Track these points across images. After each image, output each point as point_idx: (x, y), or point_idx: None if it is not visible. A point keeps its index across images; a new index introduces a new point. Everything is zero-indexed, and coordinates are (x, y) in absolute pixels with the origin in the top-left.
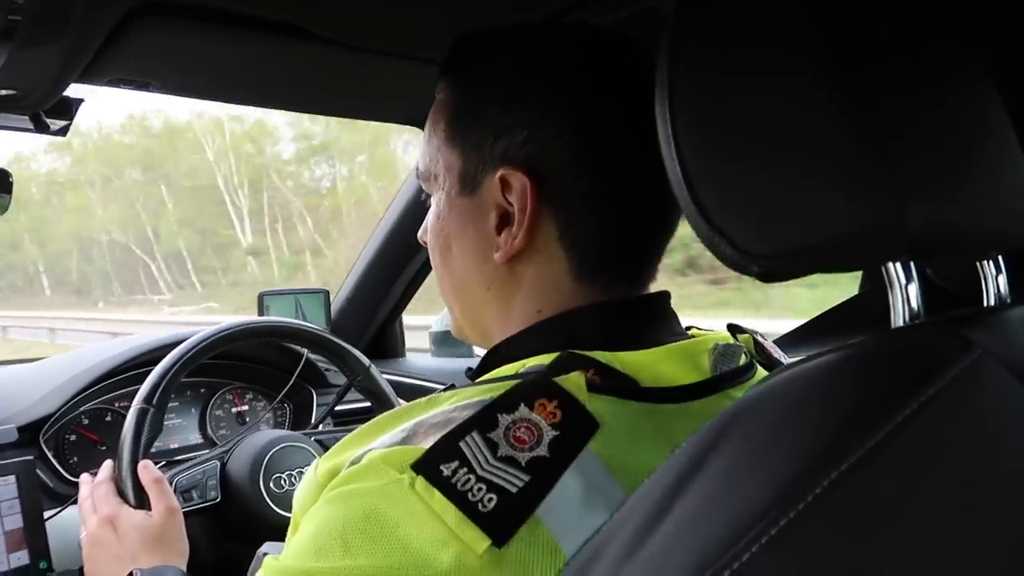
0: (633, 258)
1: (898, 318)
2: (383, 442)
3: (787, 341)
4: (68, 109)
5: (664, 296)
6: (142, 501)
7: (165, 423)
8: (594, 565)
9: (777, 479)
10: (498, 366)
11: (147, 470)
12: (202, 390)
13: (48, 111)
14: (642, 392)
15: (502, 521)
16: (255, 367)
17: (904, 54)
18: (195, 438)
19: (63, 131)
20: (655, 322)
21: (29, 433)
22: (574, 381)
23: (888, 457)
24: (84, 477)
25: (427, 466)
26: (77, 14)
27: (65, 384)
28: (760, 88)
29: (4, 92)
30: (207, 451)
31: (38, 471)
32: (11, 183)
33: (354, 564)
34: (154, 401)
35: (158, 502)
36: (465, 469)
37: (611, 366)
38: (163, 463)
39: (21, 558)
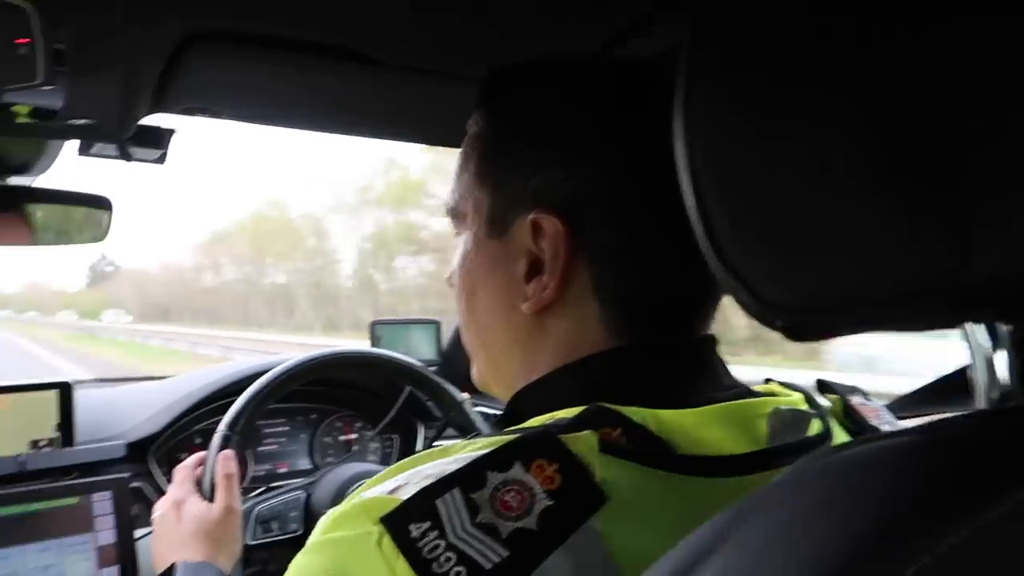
0: (676, 309)
1: (980, 396)
2: (381, 488)
3: (901, 405)
4: (160, 139)
5: (707, 340)
6: (212, 497)
7: (275, 447)
8: None
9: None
10: (521, 415)
11: (225, 461)
12: (312, 416)
13: (138, 141)
14: (676, 461)
15: None
16: (365, 396)
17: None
18: (304, 464)
19: (160, 160)
20: (697, 372)
21: (138, 450)
22: (584, 441)
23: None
24: (177, 468)
25: (396, 523)
26: (121, 43)
27: (172, 405)
28: (789, 110)
29: (83, 121)
30: (300, 480)
31: (144, 488)
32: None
33: None
34: (237, 428)
35: (221, 497)
36: (436, 533)
37: (644, 426)
38: (263, 488)
39: (111, 574)
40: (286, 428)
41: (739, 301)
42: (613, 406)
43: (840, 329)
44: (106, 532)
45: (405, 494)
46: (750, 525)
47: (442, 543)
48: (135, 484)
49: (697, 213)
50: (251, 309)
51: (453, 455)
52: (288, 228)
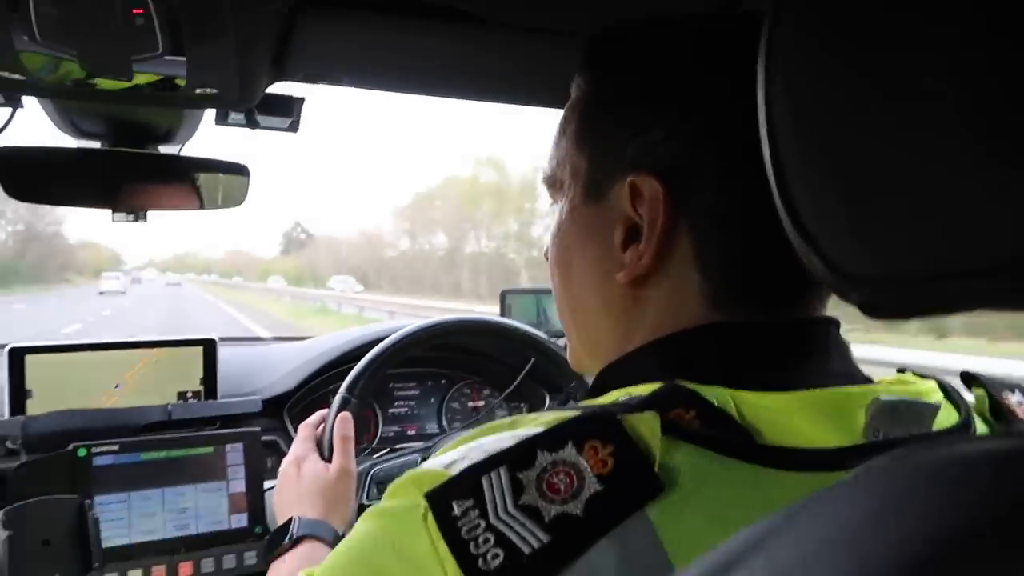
0: (786, 284)
1: None
2: (441, 460)
3: None
4: (289, 107)
5: (824, 323)
6: (330, 457)
7: (405, 410)
8: None
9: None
10: (603, 391)
11: (342, 424)
12: (443, 381)
13: (266, 110)
14: (754, 450)
15: None
16: (494, 364)
17: None
18: (432, 427)
19: (292, 128)
20: (800, 355)
21: (274, 406)
22: (646, 423)
23: None
24: (300, 425)
25: (440, 500)
26: (230, 12)
27: (306, 364)
28: (885, 35)
29: (209, 91)
30: (422, 443)
31: (278, 442)
32: (249, 171)
33: None
34: (355, 391)
35: (337, 459)
36: (477, 512)
37: (723, 409)
38: (389, 449)
39: (241, 520)
40: (416, 392)
41: (811, 269)
42: (692, 385)
43: (930, 307)
44: (237, 481)
45: (457, 469)
46: (803, 524)
47: (482, 523)
48: (270, 438)
49: (770, 156)
50: (459, 278)
51: (517, 429)
52: (506, 188)
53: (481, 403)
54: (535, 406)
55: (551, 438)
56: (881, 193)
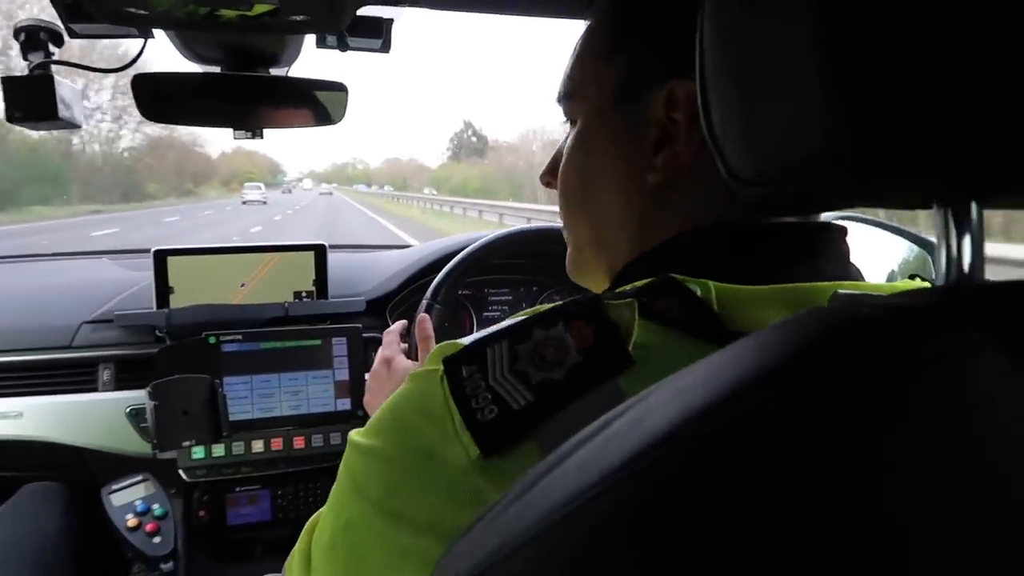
0: None
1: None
2: (470, 337)
3: None
4: (377, 28)
5: (827, 229)
6: (416, 356)
7: (498, 314)
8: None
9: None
10: (621, 286)
11: (423, 325)
12: (534, 288)
13: (357, 32)
14: (723, 334)
15: (494, 435)
16: None
17: None
18: None
19: (383, 48)
20: (799, 256)
21: (377, 306)
22: (626, 307)
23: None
24: (385, 332)
25: (453, 364)
26: None
27: (405, 269)
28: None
29: (301, 18)
30: None
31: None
32: (347, 88)
33: (380, 445)
34: (438, 297)
35: (421, 356)
36: (480, 375)
37: (704, 299)
38: None
39: (345, 404)
40: (510, 298)
41: (720, 171)
42: (681, 277)
43: (798, 202)
44: (342, 370)
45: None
46: (681, 378)
47: (483, 384)
48: (373, 335)
49: (698, 73)
50: None
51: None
52: None
53: None
54: None
55: (547, 318)
56: (760, 108)
